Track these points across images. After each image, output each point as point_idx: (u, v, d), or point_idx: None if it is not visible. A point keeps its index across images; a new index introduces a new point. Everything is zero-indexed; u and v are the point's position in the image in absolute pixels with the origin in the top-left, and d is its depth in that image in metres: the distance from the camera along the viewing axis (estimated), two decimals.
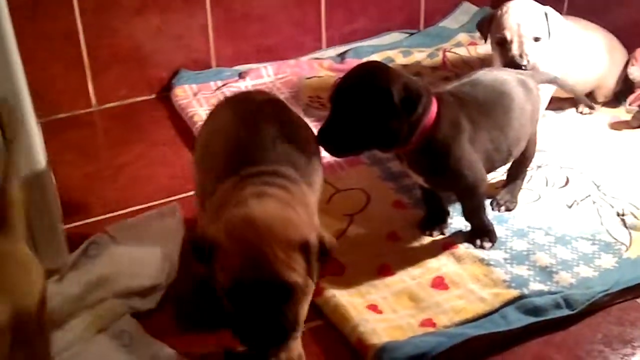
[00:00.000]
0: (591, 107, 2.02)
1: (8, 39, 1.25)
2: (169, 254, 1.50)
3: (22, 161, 1.32)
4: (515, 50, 1.81)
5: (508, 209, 1.65)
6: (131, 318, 1.37)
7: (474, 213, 1.56)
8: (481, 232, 1.56)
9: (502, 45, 1.85)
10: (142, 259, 1.46)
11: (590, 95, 2.06)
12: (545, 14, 1.85)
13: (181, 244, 1.53)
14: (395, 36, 2.53)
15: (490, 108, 1.51)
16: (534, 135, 1.65)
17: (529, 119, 1.58)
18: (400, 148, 1.44)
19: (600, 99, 2.08)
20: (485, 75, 1.59)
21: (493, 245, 1.55)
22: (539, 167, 1.80)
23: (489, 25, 1.90)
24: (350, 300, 1.40)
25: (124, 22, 2.12)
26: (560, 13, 1.96)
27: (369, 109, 1.35)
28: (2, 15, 1.22)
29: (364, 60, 2.34)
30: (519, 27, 1.82)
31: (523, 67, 1.78)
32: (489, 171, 1.56)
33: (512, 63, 1.81)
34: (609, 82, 2.06)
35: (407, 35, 2.54)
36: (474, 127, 1.47)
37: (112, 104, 2.17)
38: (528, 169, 1.71)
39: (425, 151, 1.44)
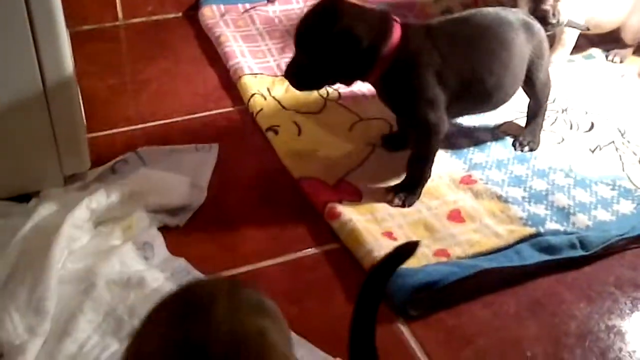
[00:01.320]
0: (586, 29, 1.89)
1: None
2: (199, 181, 1.51)
3: (49, 63, 1.33)
4: (548, 4, 1.72)
5: (531, 149, 1.64)
6: (157, 231, 1.38)
7: (417, 161, 1.49)
8: (410, 186, 1.49)
9: None
10: (172, 181, 1.48)
11: (619, 40, 2.03)
12: None
13: (211, 173, 1.54)
14: None
15: (473, 47, 1.48)
16: (545, 77, 1.61)
17: (526, 62, 1.54)
18: (363, 79, 1.45)
19: (629, 41, 2.03)
20: (484, 13, 1.54)
21: (404, 204, 1.48)
22: (564, 110, 1.79)
23: None
24: (366, 226, 1.40)
25: None
26: None
27: (324, 46, 1.38)
28: None
29: None
30: None
31: (550, 26, 1.71)
32: (471, 113, 1.58)
33: (541, 17, 1.69)
34: (634, 21, 1.99)
35: None
36: (445, 63, 1.43)
37: (138, 19, 2.16)
38: (546, 110, 1.68)
39: (386, 81, 1.44)
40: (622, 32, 2.02)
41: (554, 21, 1.73)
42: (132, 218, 1.38)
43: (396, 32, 1.41)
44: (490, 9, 1.57)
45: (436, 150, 1.50)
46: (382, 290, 0.93)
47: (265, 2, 2.21)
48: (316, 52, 1.39)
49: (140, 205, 1.40)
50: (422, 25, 1.49)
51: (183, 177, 1.50)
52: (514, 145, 1.65)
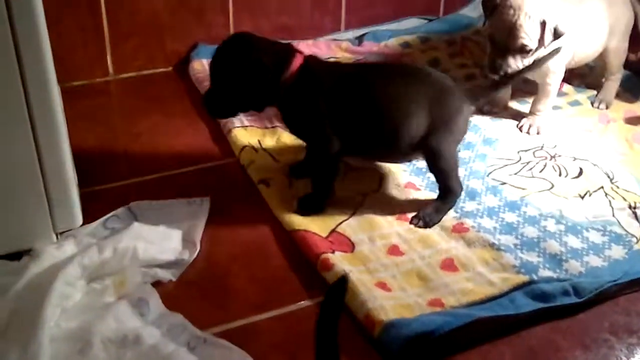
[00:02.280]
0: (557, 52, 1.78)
1: (36, 4, 1.25)
2: (191, 235, 1.51)
3: (41, 122, 1.34)
4: (497, 55, 1.76)
5: (426, 226, 1.57)
6: (151, 287, 1.38)
7: (317, 175, 1.61)
8: (311, 200, 1.59)
9: (492, 41, 1.80)
10: (165, 235, 1.48)
11: (603, 70, 2.06)
12: (543, 23, 1.73)
13: (203, 228, 1.54)
14: (414, 22, 2.52)
15: (372, 90, 1.54)
16: (449, 154, 1.57)
17: (424, 126, 1.53)
18: (271, 105, 1.57)
19: (615, 67, 2.03)
20: (407, 68, 1.68)
21: (307, 213, 1.57)
22: (553, 157, 1.80)
23: (491, 11, 1.80)
24: (360, 277, 1.40)
25: None
26: None
27: (236, 75, 1.50)
28: None
29: (382, 44, 2.35)
30: (509, 33, 1.74)
31: (497, 77, 1.75)
32: (373, 156, 1.66)
33: (489, 66, 1.77)
34: (613, 46, 1.99)
35: (426, 21, 2.53)
36: (333, 96, 1.52)
37: (129, 74, 2.17)
38: (453, 197, 1.61)
39: (284, 105, 1.56)
40: (607, 58, 2.02)
41: (499, 74, 1.75)
42: (125, 273, 1.38)
43: (296, 62, 1.52)
44: (424, 68, 1.70)
45: (331, 169, 1.59)
46: (335, 330, 0.97)
47: None
48: (229, 81, 1.51)
49: (133, 260, 1.40)
50: (327, 62, 1.64)
51: (175, 232, 1.50)
52: (412, 221, 1.58)
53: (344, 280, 0.98)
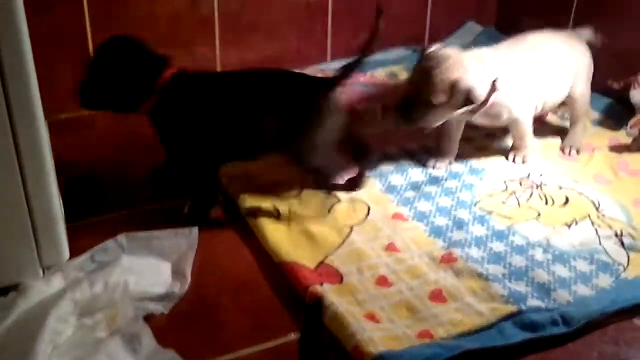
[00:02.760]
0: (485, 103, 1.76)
1: (23, 37, 1.25)
2: (181, 267, 1.51)
3: (28, 158, 1.33)
4: (408, 100, 1.72)
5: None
6: (144, 322, 1.36)
7: (197, 185, 1.69)
8: (197, 209, 1.68)
9: (409, 84, 1.76)
10: (154, 268, 1.47)
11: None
12: (453, 83, 1.67)
13: (193, 259, 1.54)
14: (400, 51, 2.54)
15: (230, 94, 1.62)
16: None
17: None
18: (139, 109, 1.64)
19: (581, 115, 2.01)
20: (274, 71, 1.69)
21: (194, 221, 1.62)
22: (539, 186, 1.81)
23: (421, 55, 1.77)
24: (348, 309, 1.40)
25: (132, 27, 2.13)
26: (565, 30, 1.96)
27: (111, 73, 1.61)
28: (18, 14, 1.23)
29: (369, 74, 2.37)
30: (421, 82, 1.69)
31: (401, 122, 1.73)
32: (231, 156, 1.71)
33: (397, 108, 1.74)
34: (577, 92, 1.97)
35: (411, 51, 2.56)
36: (204, 108, 1.61)
37: None
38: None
39: (154, 112, 1.63)
40: (572, 105, 2.00)
41: (403, 126, 1.76)
42: (116, 308, 1.37)
43: (170, 70, 1.62)
44: (290, 71, 1.72)
45: (206, 175, 1.68)
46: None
47: None
48: (106, 76, 1.61)
49: (124, 294, 1.39)
50: (199, 73, 1.68)
51: (164, 264, 1.50)
52: None
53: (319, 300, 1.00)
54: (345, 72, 1.66)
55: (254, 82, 1.64)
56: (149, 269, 1.47)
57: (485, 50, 1.83)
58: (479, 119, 1.83)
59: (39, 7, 1.96)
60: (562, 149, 1.99)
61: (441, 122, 1.75)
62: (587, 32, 2.00)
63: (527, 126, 1.89)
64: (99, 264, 1.49)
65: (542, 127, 2.04)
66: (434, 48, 1.74)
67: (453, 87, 1.67)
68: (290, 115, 1.59)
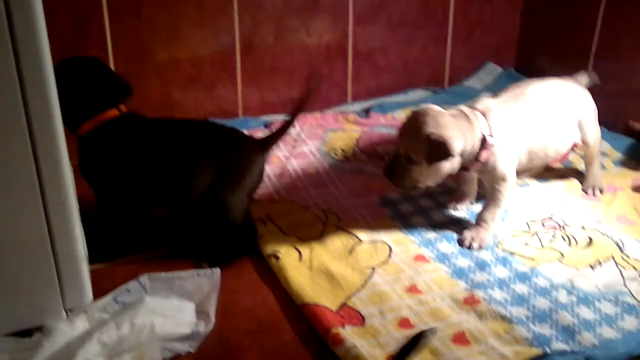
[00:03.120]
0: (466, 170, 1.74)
1: (49, 82, 1.27)
2: (205, 307, 1.51)
3: (53, 201, 1.35)
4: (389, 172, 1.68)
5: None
6: None
7: (105, 223, 1.71)
8: (100, 248, 1.69)
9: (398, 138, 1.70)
10: (179, 308, 1.48)
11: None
12: (428, 137, 1.60)
13: (217, 299, 1.54)
14: (419, 93, 2.56)
15: (157, 143, 1.65)
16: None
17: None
18: (73, 129, 1.65)
19: (595, 156, 1.96)
20: (201, 123, 1.75)
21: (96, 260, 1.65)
22: (562, 227, 1.80)
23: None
24: (371, 352, 1.39)
25: (155, 70, 2.17)
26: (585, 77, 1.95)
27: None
28: (44, 59, 1.25)
29: (389, 115, 2.39)
30: (402, 137, 1.66)
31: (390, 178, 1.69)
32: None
33: (385, 163, 1.71)
34: (591, 140, 1.92)
35: (431, 92, 2.57)
36: (131, 153, 1.63)
37: None
38: None
39: (81, 148, 1.66)
40: (586, 151, 1.96)
41: (392, 179, 1.68)
42: (143, 349, 1.37)
43: (110, 112, 1.65)
44: (215, 123, 1.75)
45: (115, 218, 1.72)
46: None
47: (263, 128, 2.27)
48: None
49: (150, 335, 1.39)
50: (140, 118, 1.69)
51: (188, 304, 1.51)
52: None
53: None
54: (277, 134, 1.71)
55: (189, 132, 1.67)
56: (173, 309, 1.47)
57: (485, 102, 1.75)
58: (480, 175, 1.77)
59: (65, 55, 2.00)
60: (585, 190, 1.98)
61: (432, 183, 1.69)
62: (584, 77, 1.96)
63: (507, 190, 1.75)
64: (123, 305, 1.50)
65: (561, 168, 2.04)
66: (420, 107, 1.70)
67: (428, 142, 1.61)
68: (219, 170, 1.63)
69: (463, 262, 1.68)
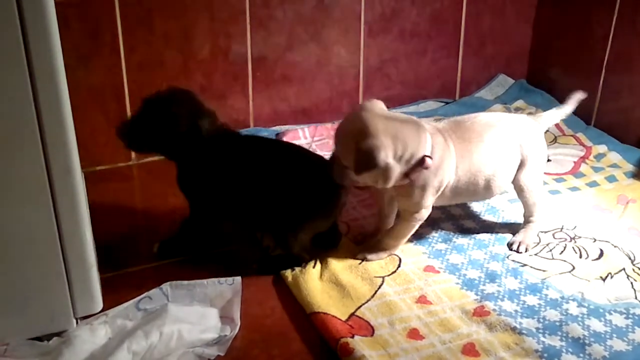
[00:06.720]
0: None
1: (62, 91, 1.29)
2: (229, 313, 1.53)
3: (65, 209, 1.36)
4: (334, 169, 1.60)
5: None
6: None
7: (188, 221, 1.74)
8: (172, 245, 1.74)
9: None
10: (203, 314, 1.50)
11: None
12: (355, 146, 1.50)
13: (240, 305, 1.55)
14: (430, 104, 2.56)
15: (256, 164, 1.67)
16: None
17: None
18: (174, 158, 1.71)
19: (533, 212, 1.79)
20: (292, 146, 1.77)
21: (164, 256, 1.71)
22: (573, 238, 1.80)
23: None
24: None
25: (168, 80, 2.18)
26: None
27: (156, 120, 1.64)
28: (57, 68, 1.27)
29: None
30: (336, 147, 1.59)
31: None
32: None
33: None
34: (526, 184, 1.76)
35: (442, 104, 2.57)
36: (231, 171, 1.66)
37: (150, 159, 2.21)
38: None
39: (183, 163, 1.70)
40: (518, 193, 1.79)
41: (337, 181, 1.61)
42: (174, 356, 1.39)
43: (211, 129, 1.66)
44: (302, 148, 1.75)
45: (202, 224, 1.74)
46: None
47: (274, 138, 2.28)
48: (153, 122, 1.64)
49: (179, 342, 1.41)
50: (238, 135, 1.74)
51: (211, 310, 1.52)
52: None
53: None
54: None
55: (289, 157, 1.67)
56: (197, 316, 1.49)
57: (432, 124, 1.67)
58: (398, 196, 1.68)
59: (78, 64, 2.03)
60: (510, 244, 1.78)
61: (380, 185, 1.59)
62: (552, 116, 1.83)
63: (417, 219, 1.68)
64: (145, 311, 1.51)
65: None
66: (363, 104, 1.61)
67: (355, 151, 1.51)
68: (301, 199, 1.63)
69: (473, 273, 1.68)
